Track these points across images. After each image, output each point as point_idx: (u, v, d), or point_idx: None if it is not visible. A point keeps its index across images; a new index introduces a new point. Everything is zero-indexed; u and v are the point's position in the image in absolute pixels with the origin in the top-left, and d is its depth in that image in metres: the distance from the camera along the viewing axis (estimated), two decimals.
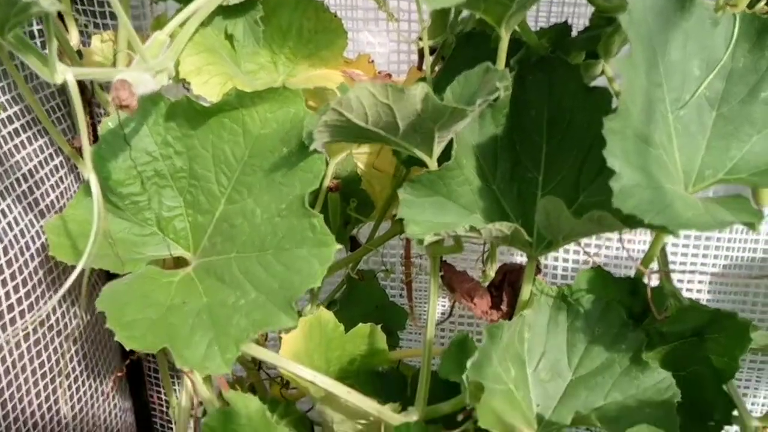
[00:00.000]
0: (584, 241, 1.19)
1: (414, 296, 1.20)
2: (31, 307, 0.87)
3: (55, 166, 0.95)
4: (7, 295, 0.84)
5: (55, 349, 0.94)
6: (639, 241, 1.17)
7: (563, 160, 0.82)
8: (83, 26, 0.98)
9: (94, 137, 0.90)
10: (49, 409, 0.95)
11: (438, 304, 1.19)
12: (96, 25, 0.99)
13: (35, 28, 0.93)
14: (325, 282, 1.18)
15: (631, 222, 0.69)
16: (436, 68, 0.95)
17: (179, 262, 0.88)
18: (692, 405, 0.80)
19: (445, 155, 0.79)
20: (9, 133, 0.87)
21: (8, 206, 0.85)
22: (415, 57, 1.13)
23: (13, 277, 0.84)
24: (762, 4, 0.82)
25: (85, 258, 0.71)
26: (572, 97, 0.80)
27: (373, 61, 0.98)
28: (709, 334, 0.82)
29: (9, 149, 0.87)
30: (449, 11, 0.93)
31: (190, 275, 0.81)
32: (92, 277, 1.01)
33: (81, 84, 0.96)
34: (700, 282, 1.22)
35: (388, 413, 0.85)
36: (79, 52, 0.96)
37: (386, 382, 0.96)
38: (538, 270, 0.88)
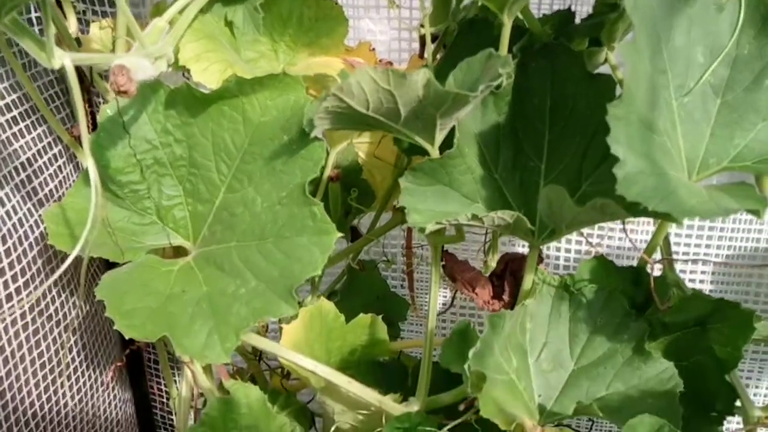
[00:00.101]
0: (587, 230, 1.19)
1: (415, 286, 1.20)
2: (30, 296, 0.87)
3: (54, 155, 0.95)
4: (6, 285, 0.83)
5: (54, 340, 0.93)
6: (642, 231, 1.16)
7: (566, 148, 0.81)
8: (81, 13, 0.97)
9: (93, 125, 0.90)
10: (49, 399, 0.94)
11: (439, 295, 1.19)
12: (94, 12, 0.98)
13: (33, 15, 0.92)
14: (325, 273, 1.18)
15: (635, 210, 0.68)
16: (438, 56, 0.94)
17: (179, 252, 0.87)
18: (695, 395, 0.80)
19: (447, 143, 0.78)
20: (7, 121, 0.87)
21: (6, 195, 0.85)
22: (416, 45, 1.13)
23: (11, 266, 0.84)
24: None
25: (80, 244, 0.70)
26: (575, 84, 0.79)
27: (374, 49, 0.98)
28: (712, 324, 0.81)
29: (7, 137, 0.86)
30: None
31: (189, 264, 0.80)
32: (92, 268, 1.01)
33: (80, 72, 0.95)
34: (703, 272, 1.22)
35: (389, 403, 0.85)
36: (78, 40, 0.95)
37: (387, 372, 0.96)
38: (541, 259, 0.87)
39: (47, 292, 0.91)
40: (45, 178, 0.92)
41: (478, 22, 0.88)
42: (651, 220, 1.08)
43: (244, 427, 0.83)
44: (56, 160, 0.95)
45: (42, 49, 0.66)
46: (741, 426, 0.82)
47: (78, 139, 0.92)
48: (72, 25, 0.94)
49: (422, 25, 0.90)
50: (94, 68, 0.95)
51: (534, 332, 0.81)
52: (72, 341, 0.98)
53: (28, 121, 0.90)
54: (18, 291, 0.85)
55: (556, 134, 0.81)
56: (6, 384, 0.86)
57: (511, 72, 0.78)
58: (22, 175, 0.88)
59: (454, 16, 0.92)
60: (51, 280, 0.85)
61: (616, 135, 0.62)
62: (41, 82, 0.95)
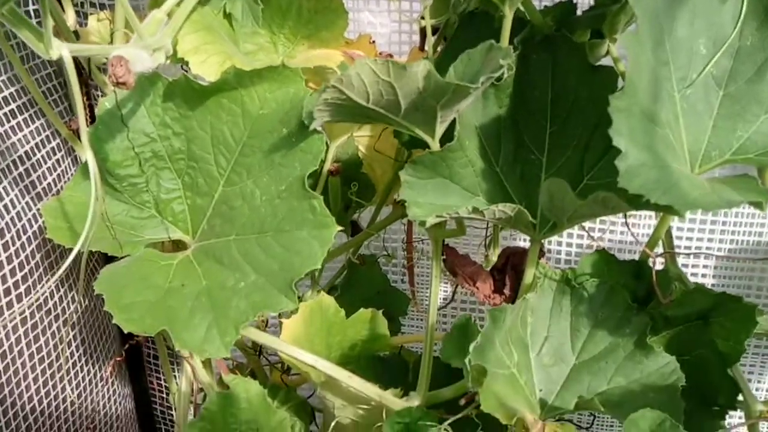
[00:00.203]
0: (588, 224, 1.18)
1: (416, 281, 1.20)
2: (28, 291, 0.86)
3: (53, 149, 0.94)
4: (4, 279, 0.83)
5: (53, 334, 0.93)
6: (644, 224, 1.16)
7: (567, 141, 0.81)
8: (79, 5, 0.96)
9: (92, 119, 0.89)
10: (47, 394, 0.94)
11: (440, 289, 1.18)
12: (92, 5, 0.97)
13: (31, 8, 0.92)
14: (326, 267, 1.18)
15: (637, 203, 0.67)
16: (438, 48, 0.93)
17: (178, 245, 0.87)
18: (697, 389, 0.79)
19: (448, 136, 0.77)
20: (5, 114, 0.86)
21: (4, 188, 0.84)
22: (416, 37, 1.12)
23: (9, 260, 0.83)
24: None
25: (82, 240, 0.70)
26: (577, 76, 0.79)
27: (374, 42, 0.97)
28: (715, 318, 0.81)
29: (5, 131, 0.86)
30: None
31: (188, 258, 0.80)
32: (91, 262, 1.00)
33: (78, 65, 0.95)
34: (705, 266, 1.21)
35: (389, 398, 0.84)
36: (76, 33, 0.94)
37: (388, 367, 0.96)
38: (542, 253, 0.87)
39: (45, 286, 0.90)
40: (43, 172, 0.91)
41: (479, 15, 0.88)
42: (653, 213, 1.08)
43: (243, 422, 0.83)
44: (54, 154, 0.94)
45: (40, 39, 0.66)
46: (743, 420, 0.82)
47: (76, 133, 0.92)
48: (70, 18, 0.94)
49: (423, 18, 0.89)
50: (92, 61, 0.94)
51: (535, 326, 0.81)
52: (71, 336, 0.97)
53: (26, 114, 0.90)
54: (16, 285, 0.84)
55: (557, 127, 0.81)
56: (4, 379, 0.86)
57: (512, 64, 0.78)
58: (20, 169, 0.87)
59: (454, 8, 0.91)
60: (56, 277, 0.85)
61: (618, 127, 0.61)
62: (39, 75, 0.94)
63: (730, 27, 0.72)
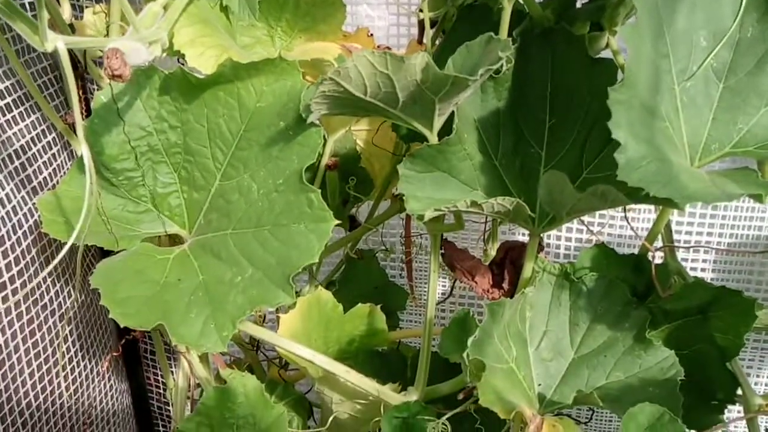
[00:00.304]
0: (587, 218, 1.18)
1: (414, 276, 1.19)
2: (24, 286, 0.86)
3: (48, 143, 0.93)
4: None
5: (49, 329, 0.92)
6: (643, 219, 1.15)
7: (567, 134, 0.80)
8: None
9: (88, 112, 0.88)
10: (44, 389, 0.93)
11: (438, 284, 1.18)
12: None
13: (26, 1, 0.91)
14: (324, 262, 1.18)
15: (636, 196, 0.67)
16: (437, 42, 0.93)
17: (175, 240, 0.86)
18: (696, 383, 0.79)
19: (446, 129, 0.77)
20: (0, 108, 0.86)
21: (0, 183, 0.84)
22: (415, 30, 1.12)
23: (5, 255, 0.83)
24: None
25: (76, 233, 0.69)
26: (576, 69, 0.78)
27: (372, 35, 0.96)
28: (714, 312, 0.81)
29: (0, 125, 0.85)
30: None
31: (185, 252, 0.80)
32: (87, 257, 1.00)
33: (74, 58, 0.94)
34: (704, 260, 1.21)
35: (387, 393, 0.84)
36: (72, 26, 0.93)
37: (386, 362, 0.95)
38: (541, 248, 0.86)
39: (42, 281, 0.90)
40: (39, 166, 0.91)
41: (478, 7, 0.87)
42: (652, 208, 1.07)
43: (240, 417, 0.83)
44: (50, 148, 0.94)
45: (35, 32, 0.65)
46: (742, 414, 0.81)
47: (72, 126, 0.91)
48: (66, 11, 0.93)
49: (421, 11, 0.89)
50: (88, 55, 0.93)
51: (534, 321, 0.80)
52: (67, 331, 0.97)
53: (21, 108, 0.89)
54: (12, 280, 0.84)
55: (556, 120, 0.80)
56: (0, 374, 0.85)
57: (510, 56, 0.78)
58: (16, 163, 0.87)
59: (453, 1, 0.91)
60: (46, 270, 0.84)
61: (617, 120, 0.61)
62: (35, 69, 0.94)
63: (730, 19, 0.72)
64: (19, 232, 0.85)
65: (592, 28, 0.83)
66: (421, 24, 0.94)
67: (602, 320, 0.80)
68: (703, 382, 0.82)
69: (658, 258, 0.83)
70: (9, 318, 0.85)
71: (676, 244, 0.87)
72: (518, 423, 0.74)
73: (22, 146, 0.88)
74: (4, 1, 0.63)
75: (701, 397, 0.82)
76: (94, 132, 0.81)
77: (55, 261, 0.72)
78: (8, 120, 0.87)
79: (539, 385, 0.79)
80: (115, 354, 1.10)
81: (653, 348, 0.77)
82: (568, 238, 1.24)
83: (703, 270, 1.21)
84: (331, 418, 0.92)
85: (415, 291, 1.20)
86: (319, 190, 0.74)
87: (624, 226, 1.18)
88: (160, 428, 1.36)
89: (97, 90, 0.96)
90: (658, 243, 0.85)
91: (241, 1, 0.86)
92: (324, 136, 0.90)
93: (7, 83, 0.88)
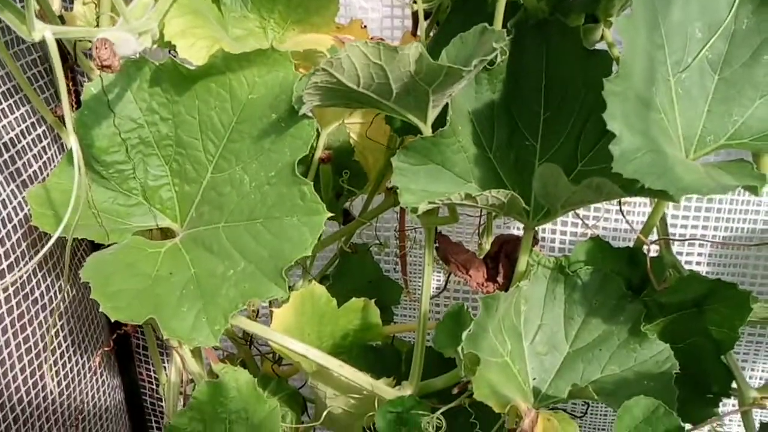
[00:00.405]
0: (582, 212, 1.18)
1: (408, 270, 1.19)
2: (14, 281, 0.85)
3: (38, 136, 0.92)
4: None
5: (40, 324, 0.91)
6: (638, 212, 1.15)
7: (561, 127, 0.80)
8: None
9: (78, 105, 0.87)
10: (35, 385, 0.93)
11: (433, 278, 1.18)
12: None
13: None
14: (317, 256, 1.17)
15: (631, 188, 0.67)
16: (431, 34, 0.92)
17: (166, 233, 0.85)
18: (691, 377, 0.79)
19: (440, 122, 0.76)
20: None
21: None
22: (409, 22, 1.11)
23: None
24: None
25: (63, 225, 0.68)
26: (571, 61, 0.78)
27: (365, 27, 0.95)
28: (709, 305, 0.81)
29: None
30: None
31: (177, 246, 0.79)
32: (79, 251, 0.99)
33: (64, 50, 0.93)
34: (699, 254, 1.21)
35: (381, 387, 0.84)
36: (62, 18, 0.92)
37: (380, 357, 0.95)
38: (536, 241, 0.86)
39: (32, 275, 0.89)
40: (28, 159, 0.90)
41: None
42: (647, 201, 1.07)
43: (233, 411, 0.82)
44: (40, 141, 0.93)
45: (22, 21, 0.64)
46: (736, 408, 0.81)
47: (62, 119, 0.90)
48: (55, 2, 0.92)
49: (415, 2, 0.88)
50: (78, 47, 0.92)
51: (529, 314, 0.80)
52: (58, 326, 0.96)
53: (11, 101, 0.88)
54: (2, 274, 0.83)
55: (551, 113, 0.80)
56: None
57: (505, 47, 0.77)
58: (5, 156, 0.86)
59: None
60: (34, 261, 0.84)
61: (612, 111, 0.61)
62: (24, 61, 0.93)
63: (725, 10, 0.71)
64: (9, 226, 0.84)
65: (587, 19, 0.83)
66: (415, 15, 0.93)
67: (597, 314, 0.80)
68: (698, 376, 0.82)
69: (653, 251, 0.83)
70: None
71: (671, 237, 0.86)
72: (513, 417, 0.74)
73: (11, 139, 0.87)
74: None
75: (696, 391, 0.82)
76: (84, 124, 0.80)
77: (42, 252, 0.71)
78: None
79: (534, 379, 0.79)
80: (106, 349, 1.09)
81: (648, 341, 0.77)
82: (563, 232, 1.24)
83: (698, 263, 1.21)
84: (324, 413, 0.91)
85: (409, 285, 1.19)
86: (312, 183, 0.73)
87: (619, 219, 1.17)
88: (153, 424, 1.35)
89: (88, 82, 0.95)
90: (654, 236, 0.85)
91: None
92: (317, 129, 0.89)
93: None
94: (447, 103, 0.75)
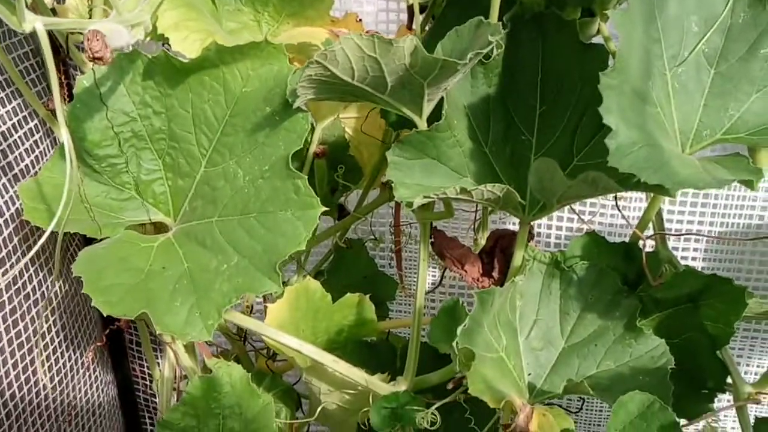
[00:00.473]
0: (578, 207, 1.17)
1: (404, 265, 1.18)
2: (6, 275, 0.84)
3: (30, 130, 0.92)
4: None
5: (32, 319, 0.91)
6: (634, 207, 1.15)
7: (557, 121, 0.79)
8: None
9: (70, 99, 0.87)
10: (27, 381, 0.92)
11: (428, 273, 1.17)
12: None
13: None
14: (312, 252, 1.16)
15: (627, 183, 0.67)
16: (427, 27, 0.91)
17: (159, 228, 0.85)
18: (686, 372, 0.79)
19: (436, 116, 0.76)
20: None
21: None
22: (404, 16, 1.10)
23: None
24: None
25: (56, 220, 0.68)
26: (567, 55, 0.77)
27: (360, 20, 0.95)
28: (704, 300, 0.81)
29: None
30: None
31: (170, 240, 0.78)
32: (72, 246, 0.98)
33: (55, 43, 0.92)
34: (695, 249, 1.21)
35: (376, 383, 0.83)
36: (54, 11, 0.92)
37: (375, 353, 0.95)
38: (531, 236, 0.86)
39: (24, 270, 0.88)
40: (20, 153, 0.89)
41: None
42: (643, 196, 1.07)
43: (226, 407, 0.82)
44: (32, 135, 0.92)
45: (13, 12, 0.63)
46: (732, 403, 0.81)
47: (54, 112, 0.89)
48: None
49: None
50: (71, 40, 0.92)
51: (524, 310, 0.80)
52: (51, 321, 0.95)
53: (2, 94, 0.87)
54: None
55: (547, 107, 0.80)
56: None
57: (501, 41, 0.77)
58: None
59: None
60: (26, 258, 0.83)
61: (608, 105, 0.61)
62: (16, 54, 0.92)
63: (721, 4, 0.71)
64: (0, 221, 0.83)
65: (583, 13, 0.82)
66: (410, 9, 0.93)
67: (593, 309, 0.80)
68: (693, 371, 0.82)
69: (649, 246, 0.83)
70: None
71: (667, 232, 0.86)
72: (508, 412, 0.73)
73: (2, 132, 0.86)
74: None
75: (691, 386, 0.82)
76: (76, 117, 0.79)
77: (36, 248, 0.70)
78: None
79: (529, 374, 0.78)
80: (99, 344, 1.09)
81: (644, 337, 0.77)
82: (559, 227, 1.24)
83: (693, 258, 1.21)
84: (319, 409, 0.91)
85: (404, 280, 1.19)
86: (306, 177, 0.72)
87: (615, 214, 1.17)
88: (146, 420, 1.35)
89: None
90: (649, 231, 0.85)
91: None
92: (312, 124, 0.88)
93: None
94: (442, 97, 0.74)
